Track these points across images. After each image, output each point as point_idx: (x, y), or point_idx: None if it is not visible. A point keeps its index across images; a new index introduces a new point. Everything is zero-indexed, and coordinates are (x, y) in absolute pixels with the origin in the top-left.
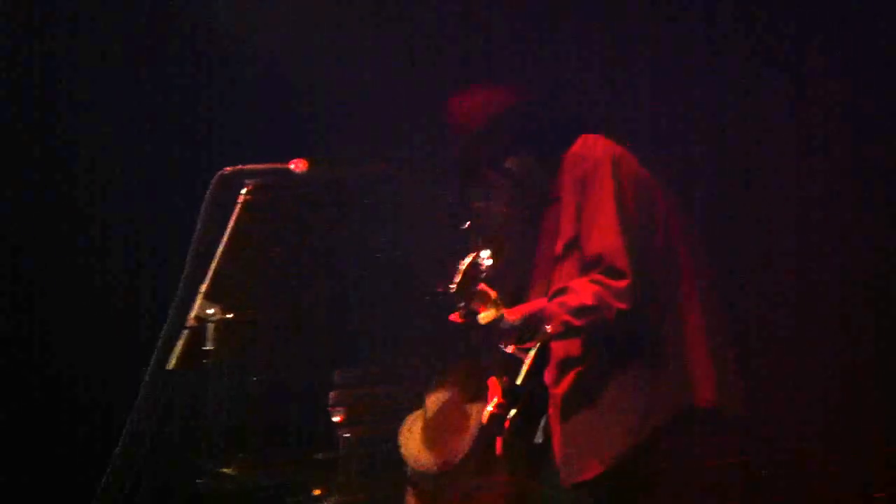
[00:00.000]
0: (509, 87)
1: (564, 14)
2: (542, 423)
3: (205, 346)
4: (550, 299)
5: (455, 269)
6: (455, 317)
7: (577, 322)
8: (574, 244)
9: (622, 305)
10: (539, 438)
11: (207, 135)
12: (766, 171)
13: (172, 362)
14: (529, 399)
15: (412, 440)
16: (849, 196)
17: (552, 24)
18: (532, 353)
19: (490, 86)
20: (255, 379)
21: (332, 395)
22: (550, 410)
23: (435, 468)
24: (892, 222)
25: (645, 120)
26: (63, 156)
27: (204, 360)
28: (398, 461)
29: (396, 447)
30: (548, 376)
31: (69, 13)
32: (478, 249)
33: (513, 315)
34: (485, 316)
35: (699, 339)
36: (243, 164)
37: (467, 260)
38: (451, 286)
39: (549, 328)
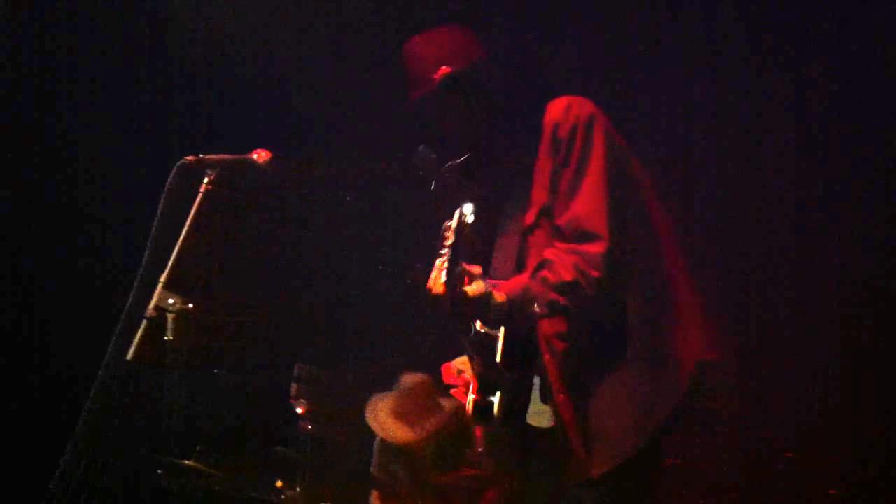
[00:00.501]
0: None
1: (563, 14)
2: (549, 407)
3: (164, 336)
4: (533, 276)
5: (441, 235)
6: (439, 287)
7: (562, 300)
8: (548, 211)
9: (597, 273)
10: (548, 422)
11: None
12: (766, 172)
13: (132, 353)
14: (510, 380)
15: (382, 411)
16: (848, 196)
17: (552, 23)
18: (503, 329)
19: (458, 32)
20: (215, 371)
21: (293, 387)
22: (560, 399)
23: (403, 438)
24: (892, 222)
25: (644, 120)
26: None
27: (163, 352)
28: (360, 454)
29: (363, 423)
30: (550, 364)
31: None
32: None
33: (498, 294)
34: (474, 289)
35: (691, 302)
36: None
37: (455, 217)
38: (445, 245)
39: (537, 309)
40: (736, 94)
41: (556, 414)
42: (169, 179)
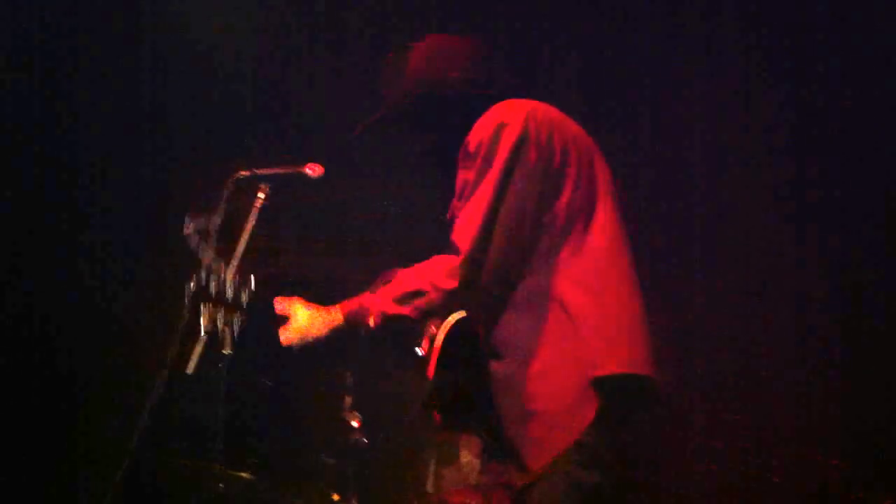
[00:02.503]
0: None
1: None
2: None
3: (223, 350)
4: (373, 289)
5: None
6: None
7: (400, 310)
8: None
9: (451, 284)
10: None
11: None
12: (766, 172)
13: (191, 366)
14: (453, 392)
15: None
16: (848, 196)
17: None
18: (436, 344)
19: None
20: (268, 382)
21: (346, 398)
22: (497, 399)
23: None
24: (892, 223)
25: (644, 120)
26: (75, 160)
27: (219, 364)
28: (410, 465)
29: (417, 437)
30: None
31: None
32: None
33: (333, 315)
34: (285, 338)
35: (625, 309)
36: (257, 167)
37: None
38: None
39: (370, 321)
40: (736, 94)
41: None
42: (224, 194)
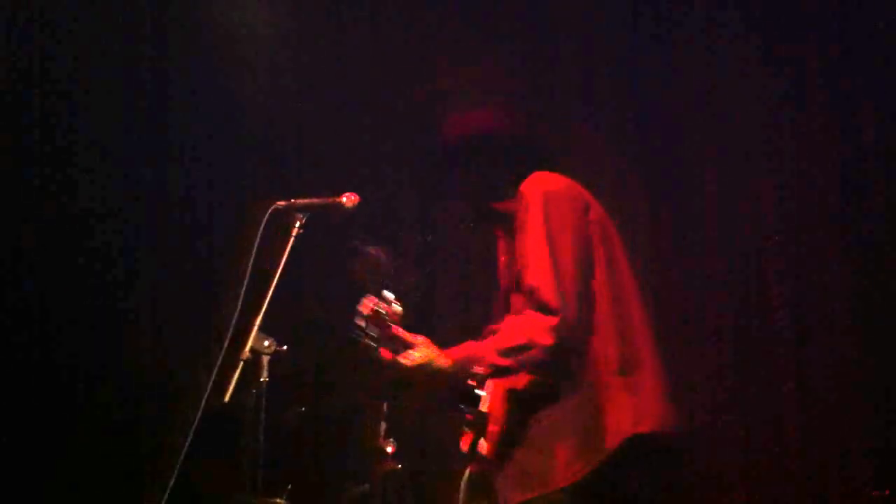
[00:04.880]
0: (497, 108)
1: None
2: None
3: (261, 377)
4: (483, 340)
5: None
6: (386, 353)
7: (505, 362)
8: (520, 277)
9: (549, 341)
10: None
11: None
12: (766, 172)
13: (227, 395)
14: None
15: None
16: (848, 197)
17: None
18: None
19: (480, 106)
20: (302, 409)
21: (381, 426)
22: (493, 435)
23: None
24: (892, 223)
25: (643, 120)
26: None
27: (254, 391)
28: (443, 492)
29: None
30: (494, 404)
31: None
32: (377, 292)
33: (445, 359)
34: (411, 360)
35: (653, 369)
36: (294, 197)
37: (369, 305)
38: (357, 332)
39: (479, 370)
40: (736, 94)
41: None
42: (262, 224)
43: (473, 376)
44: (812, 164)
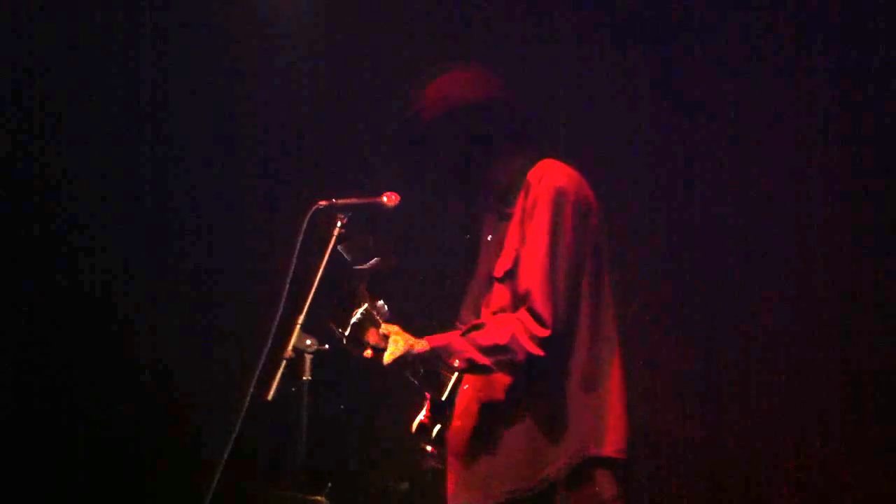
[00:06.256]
0: (491, 72)
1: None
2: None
3: (303, 376)
4: (466, 333)
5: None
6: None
7: (483, 360)
8: (512, 274)
9: (538, 352)
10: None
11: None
12: (765, 173)
13: (271, 394)
14: (448, 418)
15: None
16: (848, 197)
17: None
18: (455, 374)
19: (471, 68)
20: (342, 407)
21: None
22: (449, 439)
23: None
24: (892, 223)
25: (644, 121)
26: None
27: (293, 389)
28: None
29: None
30: (462, 399)
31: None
32: (371, 300)
33: (421, 346)
34: (389, 355)
35: (614, 390)
36: (335, 197)
37: (359, 312)
38: (342, 338)
39: (455, 363)
40: (736, 94)
41: (439, 436)
42: (304, 225)
43: (447, 367)
44: (812, 164)
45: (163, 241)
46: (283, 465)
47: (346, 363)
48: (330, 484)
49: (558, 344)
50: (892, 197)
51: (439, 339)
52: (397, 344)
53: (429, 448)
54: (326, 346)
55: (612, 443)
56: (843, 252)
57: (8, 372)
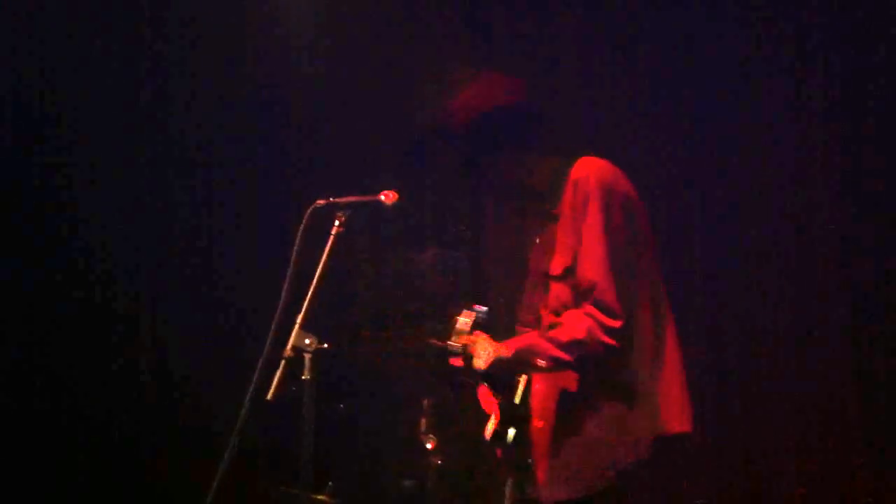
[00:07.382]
0: (516, 79)
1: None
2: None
3: (302, 375)
4: (542, 333)
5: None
6: (456, 361)
7: (566, 356)
8: (571, 270)
9: (613, 343)
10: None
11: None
12: (766, 173)
13: (271, 393)
14: (524, 420)
15: None
16: (849, 198)
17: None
18: (525, 376)
19: (499, 77)
20: (341, 406)
21: (422, 421)
22: (534, 439)
23: None
24: (892, 224)
25: (643, 121)
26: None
27: (293, 388)
28: (488, 489)
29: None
30: (538, 399)
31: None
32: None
33: (505, 350)
34: (482, 360)
35: (676, 368)
36: (334, 196)
37: (464, 320)
38: (452, 344)
39: (541, 363)
40: (735, 94)
41: (524, 436)
42: (303, 223)
43: (533, 368)
44: (811, 165)
45: (163, 241)
46: (285, 463)
47: (346, 363)
48: (330, 483)
49: (629, 331)
50: (893, 197)
51: (519, 342)
52: (487, 350)
53: (429, 445)
54: (326, 345)
55: (681, 419)
56: (844, 252)
57: (8, 372)
